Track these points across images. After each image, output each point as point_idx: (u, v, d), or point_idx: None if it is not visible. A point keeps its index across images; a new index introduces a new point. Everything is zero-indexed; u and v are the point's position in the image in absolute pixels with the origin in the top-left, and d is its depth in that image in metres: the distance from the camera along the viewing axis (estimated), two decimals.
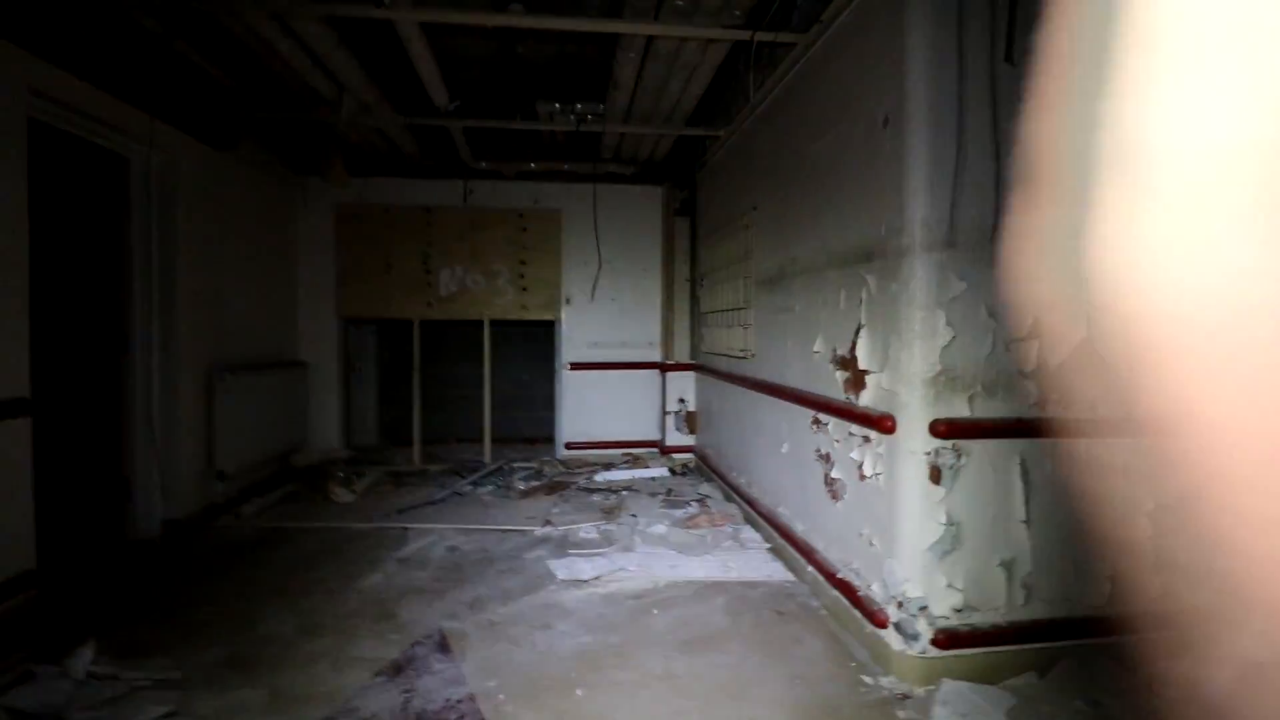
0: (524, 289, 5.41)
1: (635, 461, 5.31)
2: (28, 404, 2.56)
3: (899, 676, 2.17)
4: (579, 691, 2.13)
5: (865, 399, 2.38)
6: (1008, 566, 2.18)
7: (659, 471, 5.07)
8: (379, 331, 6.05)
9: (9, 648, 2.25)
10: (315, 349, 5.22)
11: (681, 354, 5.43)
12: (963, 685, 2.09)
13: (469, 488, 4.62)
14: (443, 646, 2.42)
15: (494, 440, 5.49)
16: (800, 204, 3.03)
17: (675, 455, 5.40)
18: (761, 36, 2.89)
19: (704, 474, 4.97)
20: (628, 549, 3.43)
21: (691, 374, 5.37)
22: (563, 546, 3.50)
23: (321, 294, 5.23)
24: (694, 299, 5.35)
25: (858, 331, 2.45)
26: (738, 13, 2.84)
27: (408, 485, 4.71)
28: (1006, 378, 2.17)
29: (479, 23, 2.96)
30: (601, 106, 4.31)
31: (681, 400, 5.39)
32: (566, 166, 5.21)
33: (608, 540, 3.58)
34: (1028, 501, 2.18)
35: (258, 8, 2.80)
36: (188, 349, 3.62)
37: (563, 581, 3.02)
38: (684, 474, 5.10)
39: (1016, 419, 2.17)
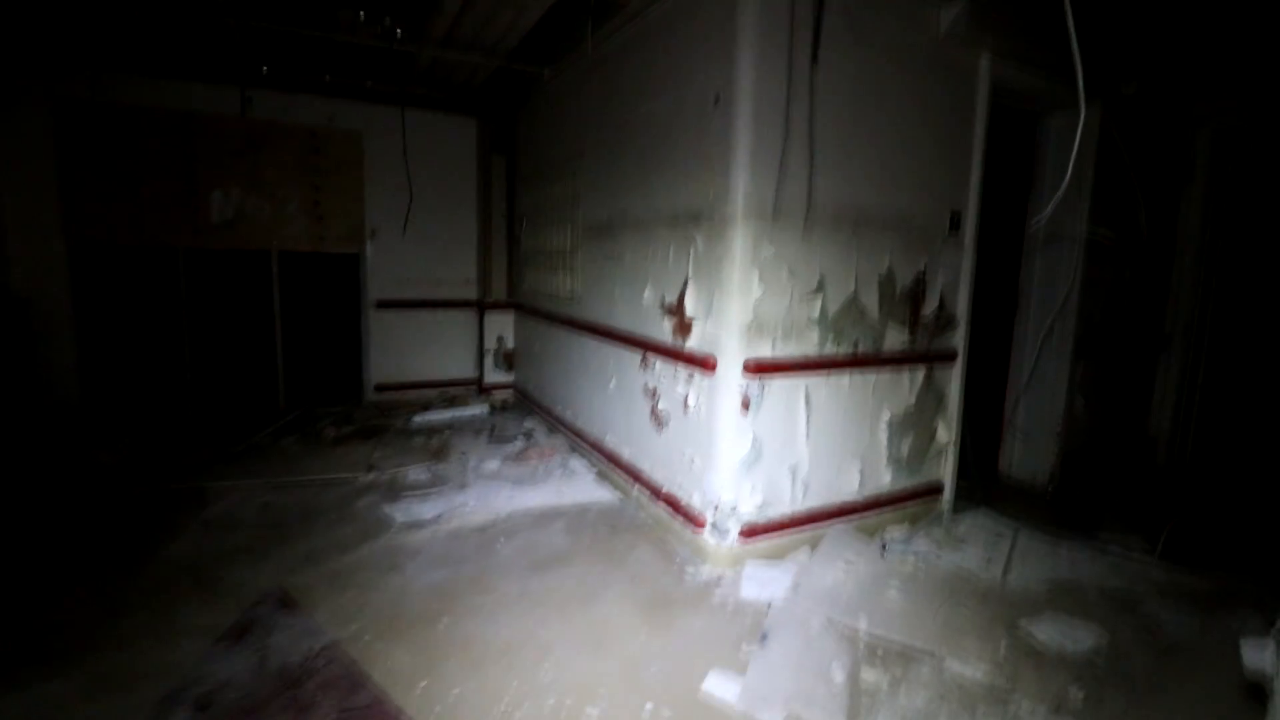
0: (320, 218, 4.88)
1: (453, 401, 5.29)
2: None
3: (714, 565, 2.69)
4: (444, 620, 2.28)
5: (691, 342, 2.77)
6: (793, 471, 2.79)
7: (479, 410, 5.12)
8: (124, 262, 4.99)
9: None
10: (37, 281, 4.17)
11: (499, 293, 5.44)
12: (760, 565, 2.68)
13: (268, 439, 4.23)
14: (285, 603, 2.36)
15: (288, 386, 5.01)
16: (632, 160, 3.24)
17: (495, 393, 5.48)
18: None
19: (525, 409, 5.16)
20: (463, 486, 3.53)
21: (510, 313, 5.42)
22: (394, 491, 3.47)
23: (40, 213, 4.15)
24: (512, 238, 5.34)
25: (685, 284, 2.80)
26: None
27: (187, 440, 4.15)
28: (799, 325, 2.70)
29: None
30: (414, 25, 3.97)
31: (500, 339, 5.44)
32: (369, 84, 4.71)
33: (441, 480, 3.63)
34: (808, 421, 2.78)
35: None
36: None
37: (403, 525, 3.04)
38: (504, 410, 5.23)
39: (804, 357, 2.73)
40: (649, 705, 1.88)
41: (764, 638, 2.22)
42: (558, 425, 4.43)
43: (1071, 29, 1.98)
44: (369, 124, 4.91)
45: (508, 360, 5.46)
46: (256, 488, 3.44)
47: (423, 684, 1.93)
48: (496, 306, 5.41)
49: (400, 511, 3.17)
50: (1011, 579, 2.73)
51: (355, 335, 5.32)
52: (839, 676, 2.05)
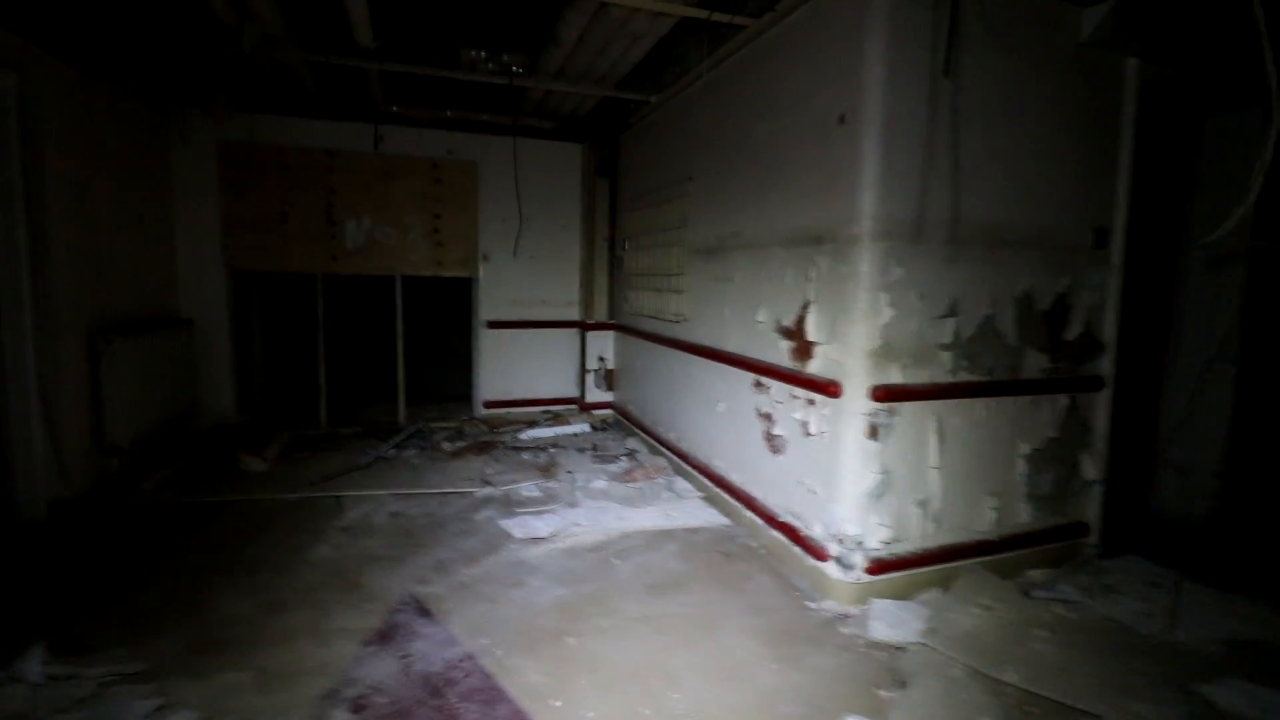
0: (439, 244, 5.19)
1: (556, 419, 5.43)
2: None
3: (837, 600, 2.58)
4: (570, 640, 2.32)
5: (813, 367, 2.70)
6: (923, 504, 2.64)
7: (581, 428, 5.24)
8: (269, 286, 5.53)
9: None
10: (200, 304, 4.69)
11: (601, 313, 5.56)
12: (888, 603, 2.55)
13: (393, 451, 4.50)
14: (422, 611, 2.48)
15: (408, 400, 5.33)
16: (744, 182, 3.24)
17: (595, 412, 5.58)
18: (718, 17, 2.99)
19: (625, 429, 5.22)
20: (573, 505, 3.61)
21: (611, 333, 5.53)
22: (508, 505, 3.59)
23: (205, 243, 4.68)
24: (614, 260, 5.46)
25: (805, 306, 2.75)
26: None
27: (323, 451, 4.49)
28: (929, 349, 2.58)
29: None
30: (530, 59, 4.18)
31: (601, 359, 5.55)
32: (485, 117, 4.99)
33: (551, 497, 3.72)
34: (940, 451, 2.64)
35: None
36: (66, 308, 3.17)
37: (521, 540, 3.14)
38: (605, 429, 5.32)
39: (935, 383, 2.59)
40: None
41: (903, 684, 2.10)
42: (660, 446, 4.44)
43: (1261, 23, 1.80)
44: (484, 154, 5.19)
45: (608, 380, 5.55)
46: (386, 498, 3.67)
47: (557, 703, 1.96)
48: (598, 327, 5.53)
49: (517, 526, 3.27)
50: (1179, 634, 2.45)
51: (467, 354, 5.60)
52: None
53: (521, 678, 2.09)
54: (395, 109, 4.74)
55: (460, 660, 2.17)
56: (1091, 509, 3.05)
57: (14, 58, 2.72)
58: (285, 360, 5.76)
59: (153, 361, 3.89)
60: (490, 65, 4.22)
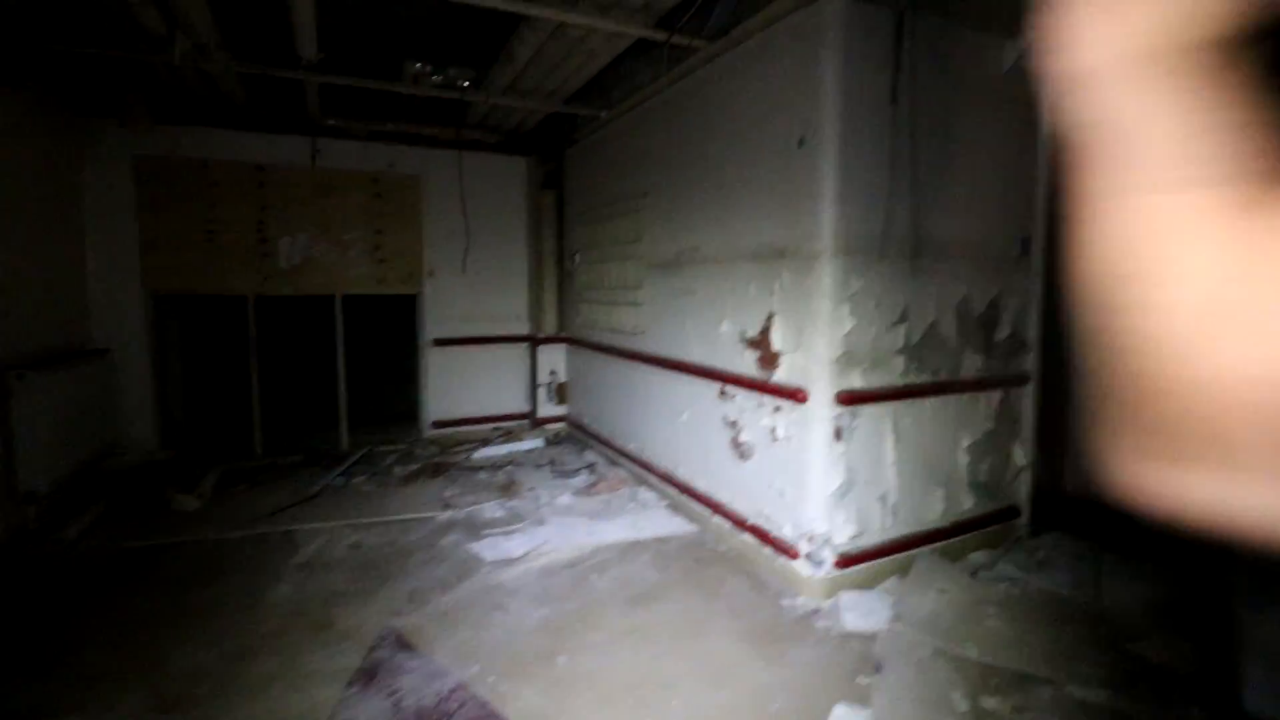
0: (381, 260, 5.02)
1: (509, 435, 5.36)
2: None
3: (809, 595, 2.71)
4: (561, 658, 2.32)
5: (779, 375, 2.84)
6: (882, 499, 2.83)
7: (535, 443, 5.20)
8: (192, 309, 5.17)
9: None
10: (116, 331, 4.32)
11: (551, 327, 5.54)
12: (856, 594, 2.70)
13: (341, 479, 4.31)
14: (403, 644, 2.41)
15: (351, 425, 5.11)
16: (704, 198, 3.35)
17: (548, 426, 5.55)
18: (677, 39, 3.09)
19: (580, 442, 5.22)
20: (540, 522, 3.59)
21: (562, 346, 5.52)
22: (473, 528, 3.53)
23: (120, 266, 4.31)
24: (562, 273, 5.46)
25: (770, 318, 2.88)
26: (654, 13, 3.00)
27: (262, 483, 4.24)
28: (885, 354, 2.77)
29: None
30: (477, 73, 4.15)
31: (553, 372, 5.53)
32: (428, 130, 4.89)
33: (517, 516, 3.69)
34: (895, 448, 2.83)
35: None
36: None
37: (493, 562, 3.10)
38: (559, 443, 5.30)
39: (891, 386, 2.79)
40: None
41: (879, 668, 2.24)
42: (620, 457, 4.48)
43: None
44: (427, 168, 5.08)
45: (560, 393, 5.54)
46: (341, 529, 3.51)
47: None
48: (549, 341, 5.51)
49: (487, 549, 3.23)
50: (1105, 601, 2.74)
51: (412, 372, 5.43)
52: (962, 705, 2.07)
53: (519, 701, 2.08)
54: (333, 122, 4.57)
55: (452, 691, 2.13)
56: (1022, 492, 3.35)
57: None
58: (212, 388, 5.39)
59: (68, 397, 3.55)
60: (435, 79, 4.15)
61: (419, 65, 4.14)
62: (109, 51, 3.33)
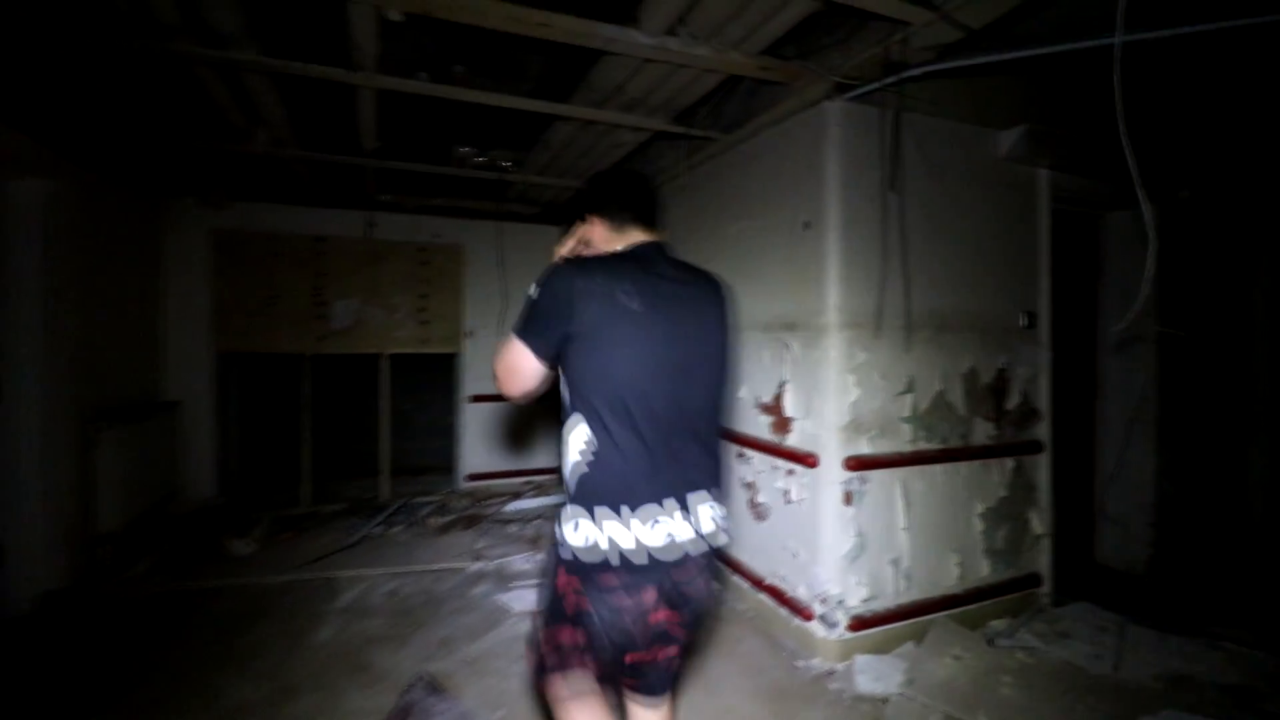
0: (425, 322, 5.40)
1: (539, 490, 5.56)
2: None
3: (823, 657, 2.79)
4: None
5: (791, 440, 3.00)
6: (895, 563, 2.91)
7: (563, 498, 5.35)
8: (247, 365, 5.59)
9: None
10: (184, 387, 4.73)
11: None
12: (870, 657, 2.77)
13: (379, 529, 4.55)
14: (434, 688, 2.57)
15: (393, 476, 5.38)
16: (720, 272, 3.59)
17: None
18: (694, 132, 3.42)
19: None
20: None
21: None
22: (502, 580, 3.70)
23: (193, 327, 4.77)
24: None
25: (782, 385, 3.07)
26: (672, 110, 3.34)
27: (307, 530, 4.50)
28: (891, 422, 2.91)
29: (435, 94, 3.12)
30: (513, 155, 4.57)
31: None
32: (470, 204, 5.33)
33: (543, 571, 3.84)
34: (907, 513, 2.93)
35: (207, 62, 2.71)
36: (63, 397, 3.23)
37: (519, 614, 3.25)
38: None
39: (898, 453, 2.91)
40: None
41: None
42: None
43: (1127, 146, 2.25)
44: (468, 237, 5.50)
45: None
46: (379, 577, 3.72)
47: None
48: None
49: (515, 600, 3.39)
50: (1123, 674, 2.74)
51: (450, 428, 5.72)
52: None
53: None
54: (386, 198, 5.04)
55: None
56: (1043, 561, 3.37)
57: (27, 158, 2.91)
58: (265, 439, 5.76)
59: (142, 446, 3.91)
60: (480, 160, 4.58)
61: (465, 149, 4.59)
62: (195, 142, 3.82)
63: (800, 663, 2.80)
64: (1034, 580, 3.34)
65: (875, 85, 2.69)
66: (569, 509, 1.49)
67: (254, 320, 4.92)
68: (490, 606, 3.34)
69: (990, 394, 3.21)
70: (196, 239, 4.77)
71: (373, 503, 5.13)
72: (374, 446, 5.36)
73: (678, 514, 1.46)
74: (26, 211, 3.03)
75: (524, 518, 4.86)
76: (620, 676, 1.59)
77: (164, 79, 3.08)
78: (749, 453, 3.33)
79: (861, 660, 2.74)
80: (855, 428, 2.81)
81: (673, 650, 1.57)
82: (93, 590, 3.36)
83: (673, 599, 1.50)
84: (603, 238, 1.66)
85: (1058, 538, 3.43)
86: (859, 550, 2.81)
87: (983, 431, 3.17)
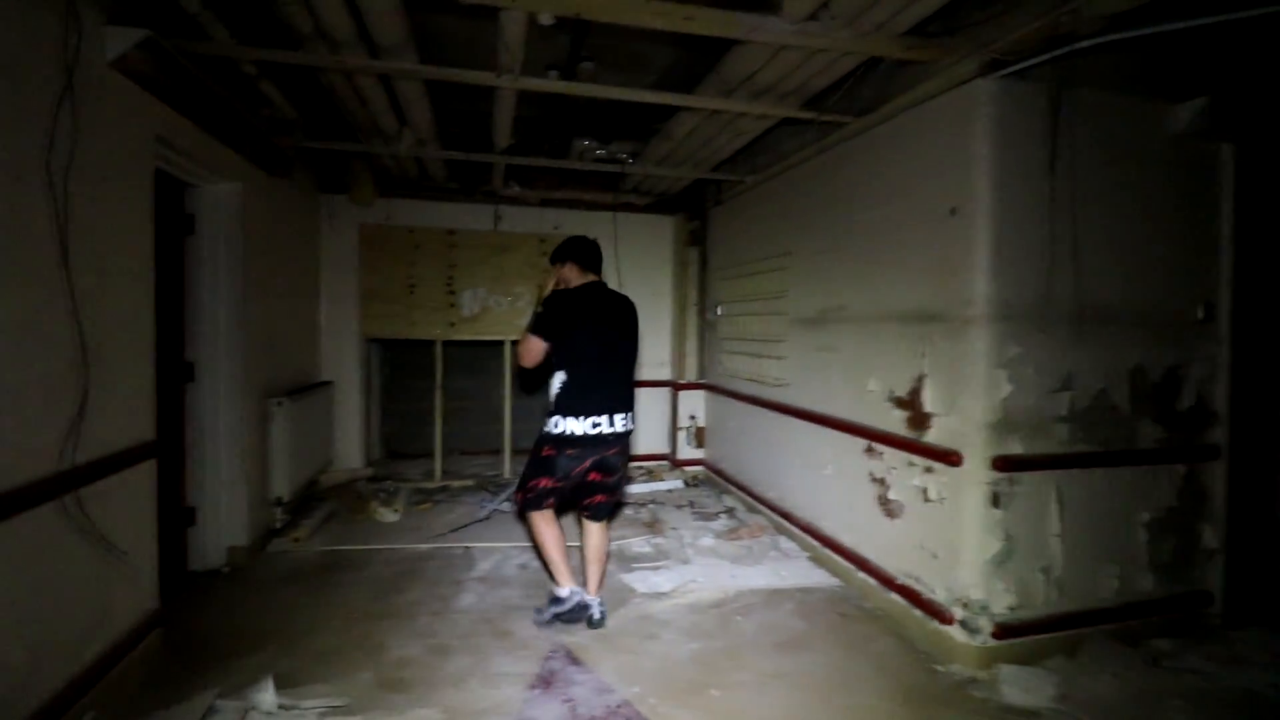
0: None
1: (651, 474, 5.67)
2: (154, 446, 2.63)
3: (963, 664, 2.67)
4: (714, 691, 2.50)
5: (931, 436, 2.88)
6: (1045, 571, 2.74)
7: (675, 484, 5.46)
8: (384, 348, 6.09)
9: (158, 685, 2.37)
10: (337, 368, 5.24)
11: (691, 373, 5.84)
12: (1015, 668, 2.62)
13: (506, 505, 4.82)
14: (572, 659, 2.71)
15: (513, 455, 5.69)
16: (849, 261, 3.50)
17: (686, 468, 5.80)
18: (825, 118, 3.33)
19: (717, 485, 5.41)
20: (685, 561, 3.80)
21: (701, 393, 5.79)
22: (623, 560, 3.82)
23: (344, 313, 5.27)
24: (704, 323, 5.77)
25: (920, 379, 2.95)
26: (803, 95, 3.26)
27: (442, 504, 4.86)
28: (1046, 421, 2.72)
29: (571, 91, 3.23)
30: (631, 146, 4.65)
31: (692, 417, 5.81)
32: (588, 196, 5.49)
33: (663, 554, 3.93)
34: (1060, 519, 2.75)
35: (370, 71, 2.95)
36: (250, 376, 3.66)
37: (644, 594, 3.35)
38: (697, 485, 5.52)
39: (1053, 454, 2.73)
40: None
41: None
42: (758, 504, 4.61)
43: None
44: (585, 228, 5.64)
45: (699, 437, 5.79)
46: (510, 550, 3.96)
47: None
48: (689, 386, 5.81)
49: (638, 581, 3.49)
50: None
51: None
52: None
53: None
54: (512, 192, 5.29)
55: (619, 706, 2.38)
56: (1215, 578, 3.05)
57: (224, 165, 3.30)
58: (402, 417, 6.26)
59: (307, 421, 4.37)
60: (599, 153, 4.70)
61: (586, 142, 4.72)
62: (355, 146, 4.17)
63: (939, 667, 2.70)
64: (1204, 599, 3.04)
65: (1039, 59, 2.49)
66: (553, 416, 2.82)
67: (393, 307, 5.34)
68: (615, 585, 3.46)
69: (1159, 393, 2.92)
70: (347, 233, 5.24)
71: (496, 480, 5.45)
72: (493, 427, 5.68)
73: (604, 418, 2.81)
74: (228, 210, 3.45)
75: (638, 501, 4.99)
76: (579, 510, 3.05)
77: (330, 88, 3.40)
78: (879, 447, 3.23)
79: (1007, 670, 2.61)
80: (1005, 426, 2.66)
81: (602, 497, 2.97)
82: (266, 546, 3.81)
83: (600, 465, 2.90)
84: (574, 276, 2.95)
85: (1233, 553, 3.09)
86: (1006, 555, 2.67)
87: (1150, 434, 2.90)
